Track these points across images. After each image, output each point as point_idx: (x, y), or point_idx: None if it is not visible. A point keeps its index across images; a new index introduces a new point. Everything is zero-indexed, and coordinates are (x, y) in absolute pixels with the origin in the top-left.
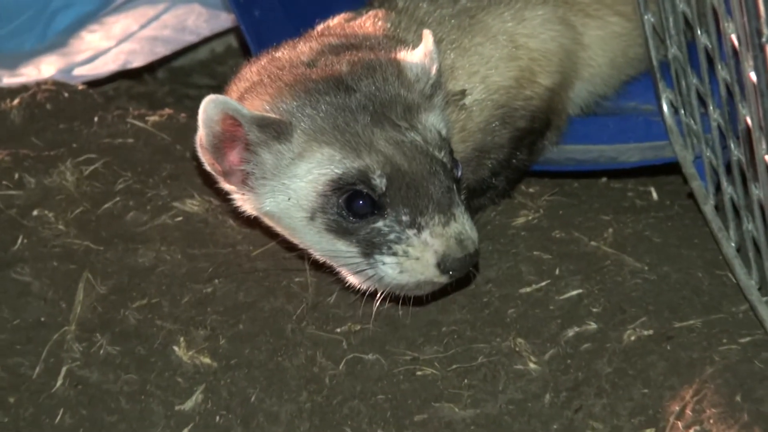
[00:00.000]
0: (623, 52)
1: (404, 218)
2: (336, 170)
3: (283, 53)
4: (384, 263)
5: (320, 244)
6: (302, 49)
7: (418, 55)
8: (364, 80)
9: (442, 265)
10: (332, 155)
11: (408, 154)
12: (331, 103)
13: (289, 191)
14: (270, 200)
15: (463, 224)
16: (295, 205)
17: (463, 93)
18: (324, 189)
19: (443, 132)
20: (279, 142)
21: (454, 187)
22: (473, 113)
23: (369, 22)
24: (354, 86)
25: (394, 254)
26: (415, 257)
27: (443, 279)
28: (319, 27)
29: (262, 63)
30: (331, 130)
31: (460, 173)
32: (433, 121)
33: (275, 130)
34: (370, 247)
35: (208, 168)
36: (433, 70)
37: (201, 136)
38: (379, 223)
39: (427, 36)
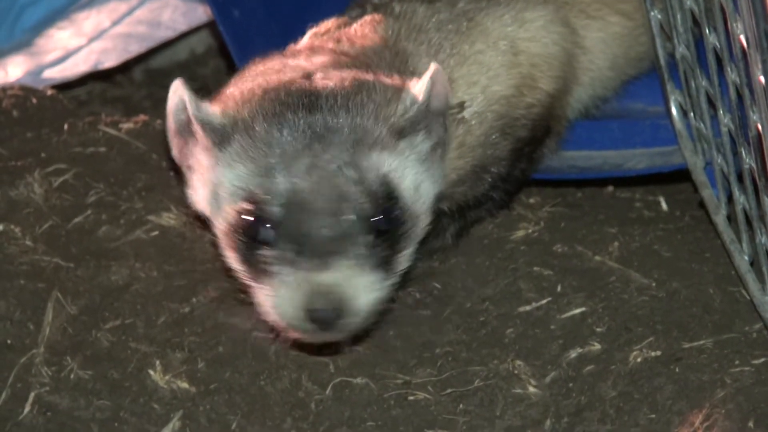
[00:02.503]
0: (624, 52)
1: (288, 254)
2: (244, 189)
3: (293, 61)
4: (263, 292)
5: (228, 257)
6: (315, 60)
7: (419, 87)
8: (338, 101)
9: (310, 314)
10: (248, 174)
11: (320, 190)
12: (278, 120)
13: (216, 196)
14: (203, 200)
15: (337, 278)
16: (215, 212)
17: (461, 105)
18: (232, 205)
19: (393, 179)
20: (217, 148)
21: (363, 239)
22: (472, 127)
23: (367, 30)
24: (322, 105)
25: (271, 286)
26: (285, 296)
27: (308, 327)
28: (315, 31)
29: (269, 61)
30: (261, 146)
31: (394, 227)
32: (383, 163)
33: (216, 135)
34: (259, 273)
35: (175, 156)
36: (414, 109)
37: (168, 119)
38: (267, 252)
39: (431, 69)
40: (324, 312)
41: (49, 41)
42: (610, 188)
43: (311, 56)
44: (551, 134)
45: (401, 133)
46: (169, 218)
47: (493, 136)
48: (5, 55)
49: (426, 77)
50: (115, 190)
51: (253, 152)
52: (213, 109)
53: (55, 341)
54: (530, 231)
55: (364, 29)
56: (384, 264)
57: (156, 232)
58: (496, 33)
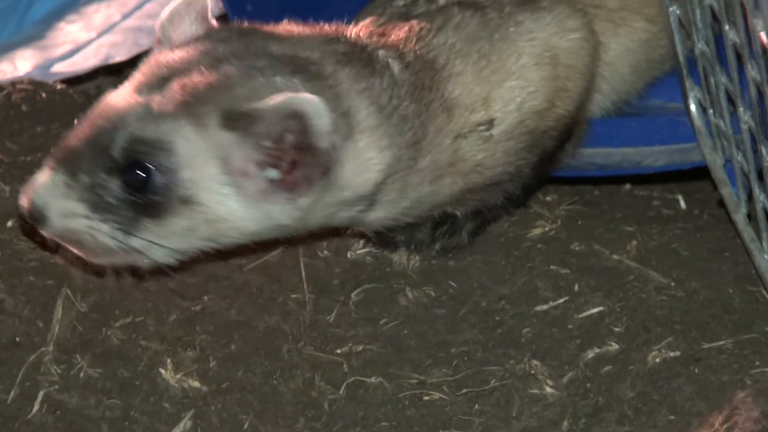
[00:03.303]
0: (647, 56)
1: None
2: None
3: None
4: None
5: None
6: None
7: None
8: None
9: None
10: None
11: (103, 116)
12: None
13: None
14: None
15: (46, 182)
16: None
17: (491, 123)
18: None
19: (172, 151)
20: None
21: (98, 176)
22: (498, 145)
23: (411, 36)
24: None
25: None
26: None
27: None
28: (357, 32)
29: None
30: None
31: (140, 192)
32: (172, 132)
33: None
34: None
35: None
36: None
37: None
38: None
39: (314, 103)
40: (23, 205)
41: (59, 35)
42: (628, 186)
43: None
44: (572, 139)
45: (232, 120)
46: None
47: (519, 152)
48: (14, 49)
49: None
50: None
51: None
52: None
53: (64, 339)
54: (547, 229)
55: (408, 34)
56: (116, 217)
57: None
58: (540, 43)
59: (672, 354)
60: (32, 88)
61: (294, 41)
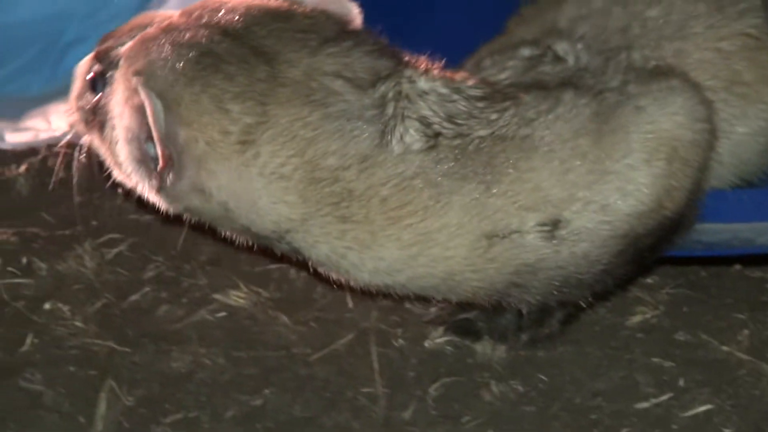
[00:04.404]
0: None
1: None
2: None
3: None
4: None
5: None
6: None
7: None
8: None
9: None
10: None
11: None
12: None
13: None
14: None
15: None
16: None
17: (555, 224)
18: None
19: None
20: None
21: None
22: (564, 244)
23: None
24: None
25: None
26: None
27: None
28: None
29: None
30: None
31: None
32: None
33: None
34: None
35: None
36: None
37: None
38: None
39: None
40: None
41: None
42: (738, 267)
43: None
44: (680, 231)
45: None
46: (237, 297)
47: (599, 256)
48: (47, 102)
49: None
50: (177, 264)
51: None
52: None
53: None
54: (648, 316)
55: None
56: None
57: (223, 313)
58: (661, 135)
59: None
60: (70, 152)
61: None
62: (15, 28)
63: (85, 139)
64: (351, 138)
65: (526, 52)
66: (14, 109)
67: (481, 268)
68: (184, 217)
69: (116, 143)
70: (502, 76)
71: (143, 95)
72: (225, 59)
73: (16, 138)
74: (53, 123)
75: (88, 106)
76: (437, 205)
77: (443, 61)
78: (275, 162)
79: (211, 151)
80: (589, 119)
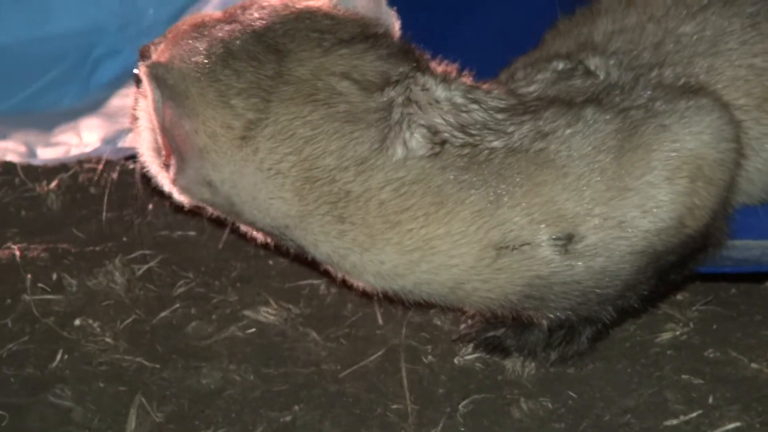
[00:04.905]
0: None
1: None
2: None
3: None
4: None
5: None
6: None
7: None
8: None
9: None
10: None
11: None
12: None
13: None
14: None
15: None
16: None
17: (569, 239)
18: None
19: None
20: None
21: None
22: (579, 258)
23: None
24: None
25: None
26: None
27: None
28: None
29: None
30: None
31: None
32: None
33: None
34: None
35: None
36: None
37: None
38: None
39: None
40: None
41: (128, 99)
42: None
43: None
44: (707, 249)
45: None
46: (267, 313)
47: (619, 271)
48: (78, 116)
49: None
50: (207, 281)
51: None
52: None
53: None
54: (678, 333)
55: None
56: None
57: (253, 329)
58: (685, 153)
59: None
60: (101, 168)
61: None
62: (47, 42)
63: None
64: (350, 140)
65: (559, 65)
66: (47, 122)
67: (490, 278)
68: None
69: (141, 133)
70: (531, 88)
71: (145, 84)
72: (236, 55)
73: (47, 154)
74: (84, 138)
75: (133, 101)
76: (440, 212)
77: (473, 73)
78: (273, 158)
79: (213, 144)
80: (611, 135)
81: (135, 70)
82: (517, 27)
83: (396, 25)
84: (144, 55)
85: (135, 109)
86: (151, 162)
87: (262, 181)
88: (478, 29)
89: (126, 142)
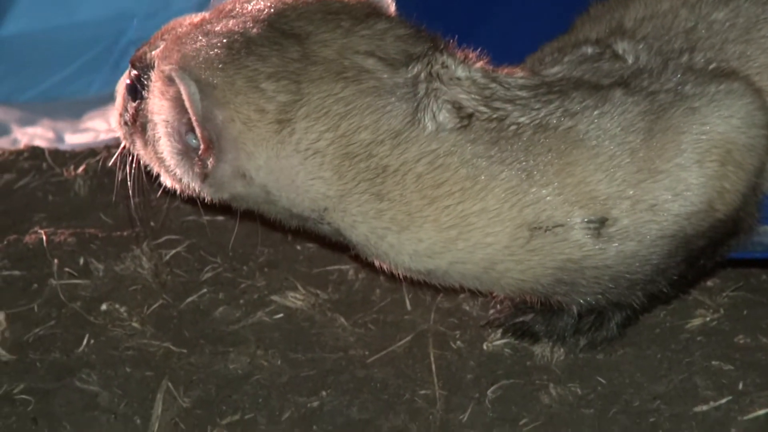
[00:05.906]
0: None
1: None
2: None
3: None
4: None
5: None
6: None
7: None
8: None
9: None
10: None
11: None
12: None
13: None
14: None
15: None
16: None
17: (602, 222)
18: None
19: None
20: None
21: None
22: (611, 242)
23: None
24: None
25: None
26: None
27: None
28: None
29: None
30: None
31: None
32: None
33: None
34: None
35: None
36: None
37: None
38: None
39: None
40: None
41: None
42: None
43: None
44: (739, 234)
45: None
46: (295, 298)
47: (648, 256)
48: (107, 103)
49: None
50: (234, 266)
51: None
52: None
53: None
54: (708, 319)
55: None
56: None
57: (280, 315)
58: (714, 137)
59: None
60: (129, 153)
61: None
62: (76, 29)
63: (133, 149)
64: (383, 113)
65: (588, 50)
66: (74, 110)
67: (523, 260)
68: (234, 207)
69: (158, 140)
70: (555, 69)
71: (177, 81)
72: (257, 42)
73: (75, 139)
74: (113, 123)
75: (130, 114)
76: (475, 186)
77: (503, 60)
78: (310, 137)
79: (248, 131)
80: (639, 117)
81: (127, 83)
82: (547, 14)
83: (391, 8)
84: (141, 61)
85: (136, 123)
86: (176, 168)
87: (300, 162)
88: (506, 18)
89: None
